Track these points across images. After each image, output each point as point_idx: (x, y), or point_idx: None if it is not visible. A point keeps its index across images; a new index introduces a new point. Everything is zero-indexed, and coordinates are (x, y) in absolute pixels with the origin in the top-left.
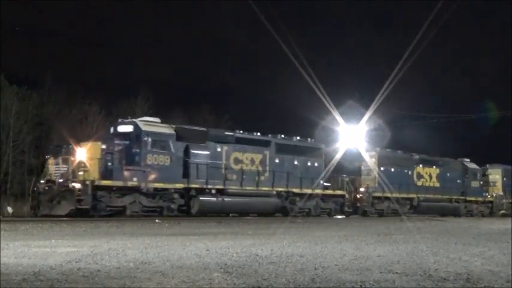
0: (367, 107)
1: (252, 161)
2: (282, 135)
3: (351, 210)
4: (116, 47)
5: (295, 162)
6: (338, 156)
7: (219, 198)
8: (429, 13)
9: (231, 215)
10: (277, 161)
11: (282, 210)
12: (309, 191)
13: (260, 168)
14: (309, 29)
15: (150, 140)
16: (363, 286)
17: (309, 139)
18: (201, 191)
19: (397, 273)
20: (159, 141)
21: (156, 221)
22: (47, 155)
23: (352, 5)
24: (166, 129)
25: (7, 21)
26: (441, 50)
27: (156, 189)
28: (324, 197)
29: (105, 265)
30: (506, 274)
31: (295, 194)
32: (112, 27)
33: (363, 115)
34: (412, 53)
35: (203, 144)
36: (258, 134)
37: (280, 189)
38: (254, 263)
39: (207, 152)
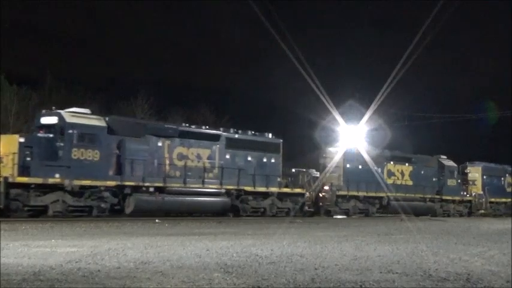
0: (367, 107)
1: (199, 157)
2: (235, 129)
3: (311, 209)
4: (116, 47)
5: (249, 158)
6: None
7: (159, 197)
8: (429, 13)
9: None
10: (227, 156)
11: (233, 209)
12: (263, 189)
13: (208, 165)
14: (309, 29)
15: (75, 132)
16: (363, 286)
17: (266, 133)
18: (137, 189)
19: (397, 273)
20: (87, 135)
21: (156, 221)
22: None
23: (352, 5)
24: (96, 122)
25: (7, 20)
26: (441, 50)
27: (83, 187)
28: (281, 196)
29: (105, 265)
30: (506, 274)
31: (248, 193)
32: (112, 27)
33: (363, 115)
34: (412, 53)
35: (141, 138)
36: (207, 127)
37: (230, 187)
38: (254, 263)
39: (145, 147)
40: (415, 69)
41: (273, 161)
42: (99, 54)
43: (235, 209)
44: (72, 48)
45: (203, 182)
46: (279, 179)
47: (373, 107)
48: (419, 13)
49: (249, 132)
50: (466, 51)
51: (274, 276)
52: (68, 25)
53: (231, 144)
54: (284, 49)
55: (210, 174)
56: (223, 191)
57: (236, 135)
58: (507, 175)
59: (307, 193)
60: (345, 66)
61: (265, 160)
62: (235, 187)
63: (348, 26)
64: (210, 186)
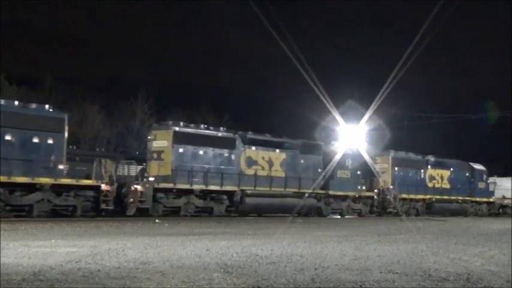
0: (367, 107)
1: None
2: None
3: (111, 207)
4: (117, 47)
5: (7, 138)
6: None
7: None
8: (429, 13)
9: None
10: None
11: None
12: (24, 180)
13: None
14: (309, 29)
15: None
16: (363, 286)
17: (46, 106)
18: None
19: (397, 273)
20: None
21: (156, 221)
22: None
23: (352, 5)
24: None
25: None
26: (441, 50)
27: None
28: (60, 189)
29: (105, 265)
30: (506, 274)
31: (5, 184)
32: (113, 28)
33: (363, 115)
34: (412, 53)
35: None
36: None
37: None
38: (254, 263)
39: None
40: (415, 69)
41: (50, 142)
42: (99, 54)
43: None
44: (72, 48)
45: None
46: (61, 166)
47: (373, 107)
48: (419, 13)
49: (15, 103)
50: (466, 51)
51: (274, 276)
52: (68, 25)
53: None
54: (284, 49)
55: None
56: None
57: None
58: (429, 167)
59: (104, 185)
60: (345, 66)
61: (36, 141)
62: None
63: (348, 26)
64: None
